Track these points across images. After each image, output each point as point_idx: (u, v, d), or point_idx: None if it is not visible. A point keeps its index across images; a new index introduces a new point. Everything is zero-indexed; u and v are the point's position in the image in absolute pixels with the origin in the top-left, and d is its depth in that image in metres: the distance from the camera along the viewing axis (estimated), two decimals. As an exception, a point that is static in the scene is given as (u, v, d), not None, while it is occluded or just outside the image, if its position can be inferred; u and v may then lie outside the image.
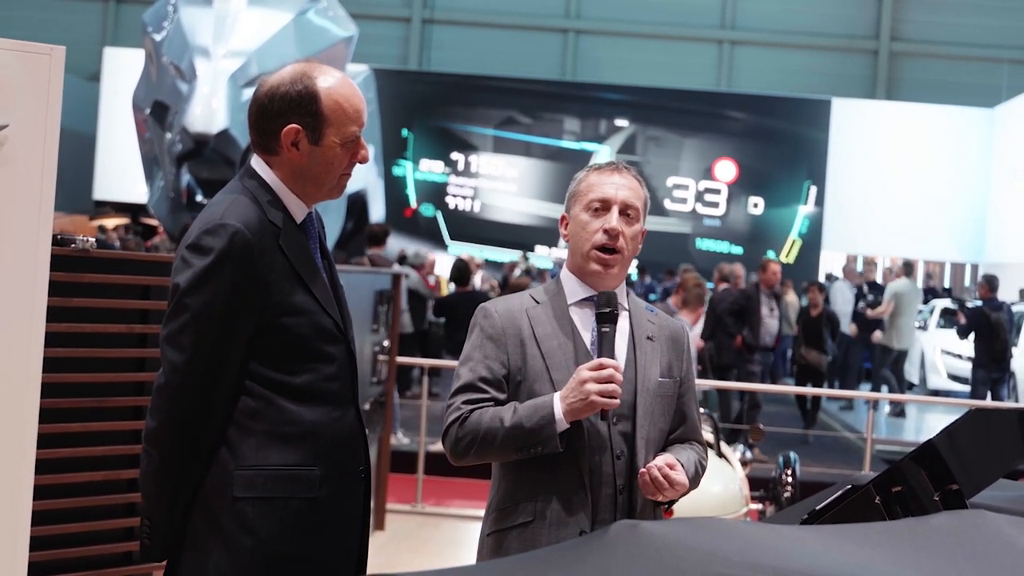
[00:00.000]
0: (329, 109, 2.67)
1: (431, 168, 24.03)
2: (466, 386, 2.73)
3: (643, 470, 2.73)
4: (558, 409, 2.65)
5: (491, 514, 2.80)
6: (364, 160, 2.74)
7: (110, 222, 21.85)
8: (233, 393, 2.64)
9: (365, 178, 15.69)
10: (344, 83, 2.73)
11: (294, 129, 2.67)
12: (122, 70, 22.11)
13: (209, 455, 2.63)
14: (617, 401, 2.67)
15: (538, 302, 2.84)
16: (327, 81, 2.70)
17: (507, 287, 15.44)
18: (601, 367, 2.66)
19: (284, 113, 2.68)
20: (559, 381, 2.73)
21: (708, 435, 6.75)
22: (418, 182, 23.97)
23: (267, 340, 2.64)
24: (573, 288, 2.86)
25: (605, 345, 2.75)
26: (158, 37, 12.79)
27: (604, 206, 2.82)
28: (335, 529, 2.70)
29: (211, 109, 11.77)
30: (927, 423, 14.22)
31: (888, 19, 24.73)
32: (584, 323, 2.83)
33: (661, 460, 2.72)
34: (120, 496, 3.95)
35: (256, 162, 2.75)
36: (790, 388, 11.67)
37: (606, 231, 2.80)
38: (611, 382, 2.64)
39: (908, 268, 15.55)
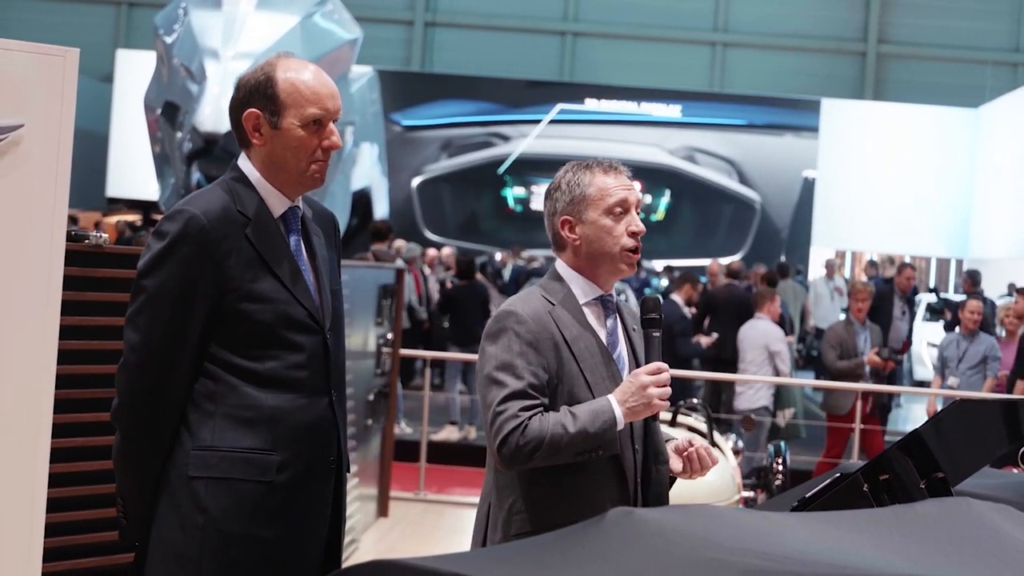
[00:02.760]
0: (284, 92, 2.67)
1: None
2: (518, 393, 2.65)
3: (691, 449, 2.79)
4: (618, 412, 2.66)
5: (517, 515, 2.73)
6: (334, 146, 2.72)
7: (131, 219, 21.80)
8: (193, 375, 2.64)
9: (369, 176, 15.68)
10: (306, 69, 2.72)
11: (253, 114, 2.70)
12: (134, 72, 22.07)
13: (172, 435, 2.64)
14: (669, 403, 2.72)
15: (552, 303, 2.79)
16: (287, 67, 2.71)
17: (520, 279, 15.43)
18: (659, 371, 2.69)
19: (246, 101, 2.71)
20: (593, 383, 2.73)
21: (701, 424, 6.75)
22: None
23: (228, 325, 2.64)
24: (583, 288, 2.83)
25: (654, 349, 2.77)
26: (169, 39, 12.77)
27: (625, 208, 2.80)
28: (296, 515, 2.67)
29: (220, 109, 11.74)
30: (913, 413, 14.22)
31: (875, 22, 24.70)
32: (597, 322, 2.83)
33: (699, 442, 2.82)
34: (132, 484, 3.94)
35: (241, 158, 2.77)
36: (775, 379, 11.64)
37: (633, 234, 2.79)
38: (666, 385, 2.69)
39: (829, 268, 16.79)
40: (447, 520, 7.83)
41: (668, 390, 2.69)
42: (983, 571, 1.73)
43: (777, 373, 9.28)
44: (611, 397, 2.68)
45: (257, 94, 2.69)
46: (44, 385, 3.04)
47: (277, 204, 2.73)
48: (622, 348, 2.85)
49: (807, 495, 2.75)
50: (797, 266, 21.58)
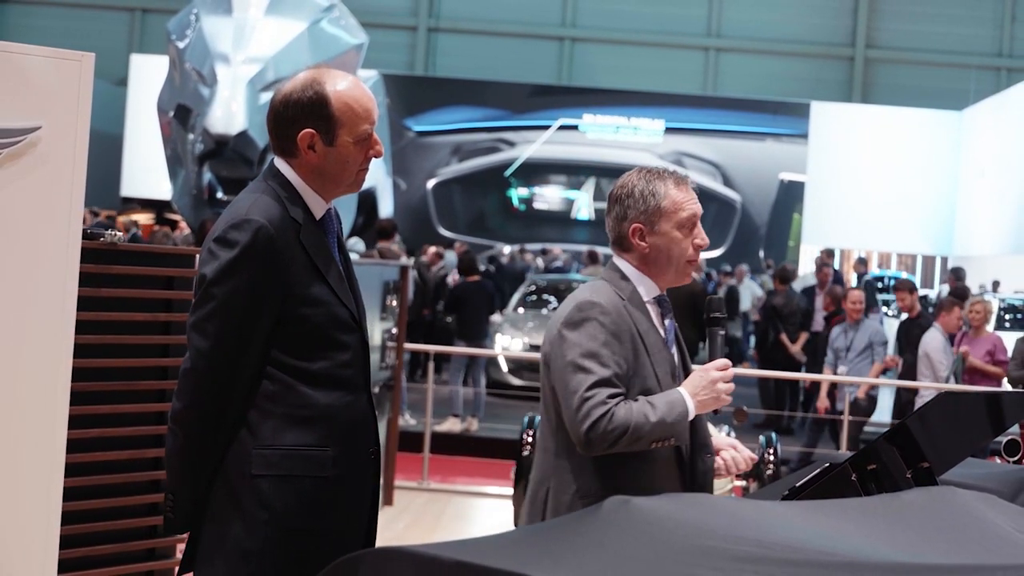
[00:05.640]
0: (340, 111, 2.65)
1: None
2: (604, 381, 2.68)
3: (724, 455, 2.91)
4: (690, 404, 2.71)
5: (583, 500, 2.73)
6: (379, 155, 2.72)
7: (141, 218, 21.80)
8: (254, 378, 2.63)
9: (375, 175, 15.62)
10: (353, 85, 2.70)
11: (309, 133, 2.66)
12: (148, 76, 22.05)
13: (230, 435, 2.63)
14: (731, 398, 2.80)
15: (623, 299, 2.81)
16: (336, 85, 2.68)
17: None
18: (725, 367, 2.76)
19: (299, 119, 2.66)
20: (661, 376, 2.77)
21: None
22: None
23: (287, 329, 2.64)
24: (647, 287, 2.85)
25: (717, 346, 2.85)
26: (181, 44, 12.74)
27: (693, 223, 2.84)
28: (346, 505, 2.70)
29: (230, 112, 11.73)
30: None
31: (863, 28, 24.70)
32: (658, 320, 2.86)
33: (735, 444, 2.94)
34: (145, 474, 3.95)
35: (278, 162, 2.73)
36: (773, 373, 11.64)
37: (698, 247, 2.84)
38: (731, 380, 2.77)
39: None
40: (450, 508, 7.82)
41: (733, 385, 2.76)
42: (967, 557, 1.72)
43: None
44: (682, 390, 2.73)
45: (312, 114, 2.65)
46: (61, 378, 3.04)
47: (317, 208, 2.72)
48: (674, 346, 2.89)
49: (797, 484, 2.74)
50: (768, 261, 22.01)
